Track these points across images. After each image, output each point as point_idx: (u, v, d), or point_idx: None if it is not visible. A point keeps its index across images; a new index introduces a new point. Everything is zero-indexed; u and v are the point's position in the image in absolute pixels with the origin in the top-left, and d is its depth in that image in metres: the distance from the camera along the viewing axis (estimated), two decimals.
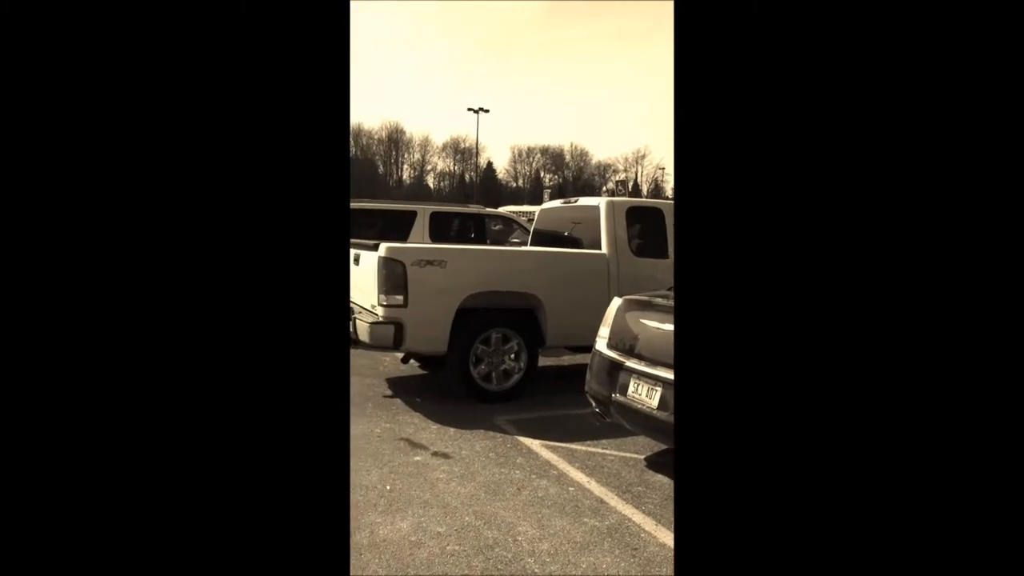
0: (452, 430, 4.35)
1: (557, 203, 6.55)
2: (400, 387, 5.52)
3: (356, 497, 3.26)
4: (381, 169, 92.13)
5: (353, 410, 4.72)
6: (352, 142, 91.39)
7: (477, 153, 65.95)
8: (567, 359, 6.17)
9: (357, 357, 6.36)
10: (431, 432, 4.31)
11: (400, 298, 4.76)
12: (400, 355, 5.93)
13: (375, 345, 4.95)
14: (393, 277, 4.75)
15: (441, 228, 8.21)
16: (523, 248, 6.40)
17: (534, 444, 4.12)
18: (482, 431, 4.33)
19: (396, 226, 8.03)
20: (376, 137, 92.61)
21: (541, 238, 6.40)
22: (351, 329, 5.15)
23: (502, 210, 11.99)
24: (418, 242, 7.51)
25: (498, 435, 4.27)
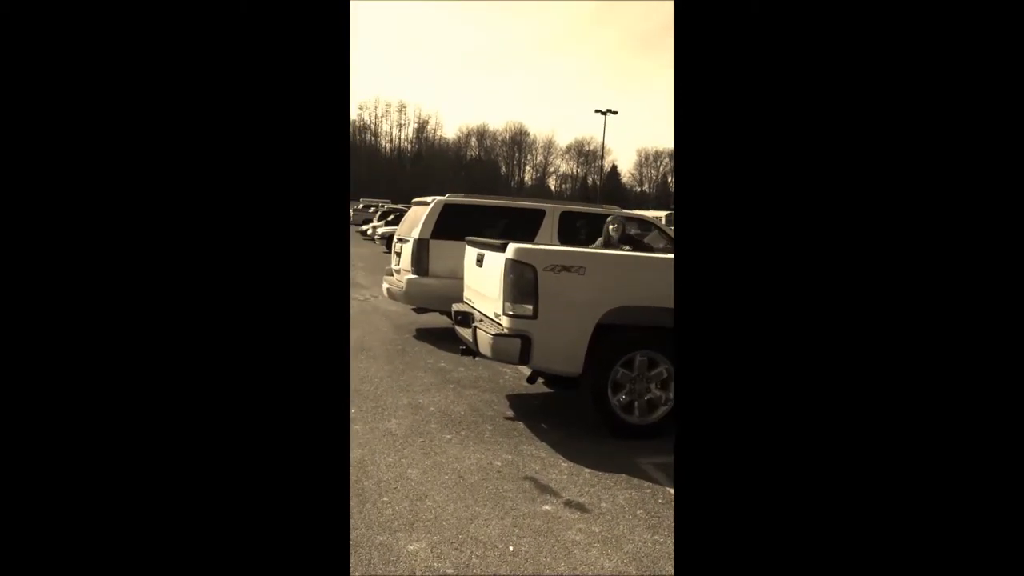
0: (587, 471, 3.60)
1: None
2: (523, 407, 4.84)
3: (473, 557, 2.59)
4: (503, 170, 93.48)
5: (470, 433, 4.09)
6: (475, 142, 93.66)
7: (603, 155, 64.92)
8: None
9: (475, 368, 5.76)
10: (561, 472, 3.58)
11: (529, 308, 4.08)
12: (526, 371, 5.25)
13: (498, 359, 4.31)
14: (522, 283, 4.07)
15: (572, 230, 7.48)
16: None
17: None
18: (624, 476, 3.55)
19: (521, 226, 7.38)
20: (500, 138, 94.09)
21: None
22: (471, 338, 4.53)
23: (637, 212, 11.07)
24: (545, 244, 6.82)
25: (645, 484, 3.48)
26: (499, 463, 3.65)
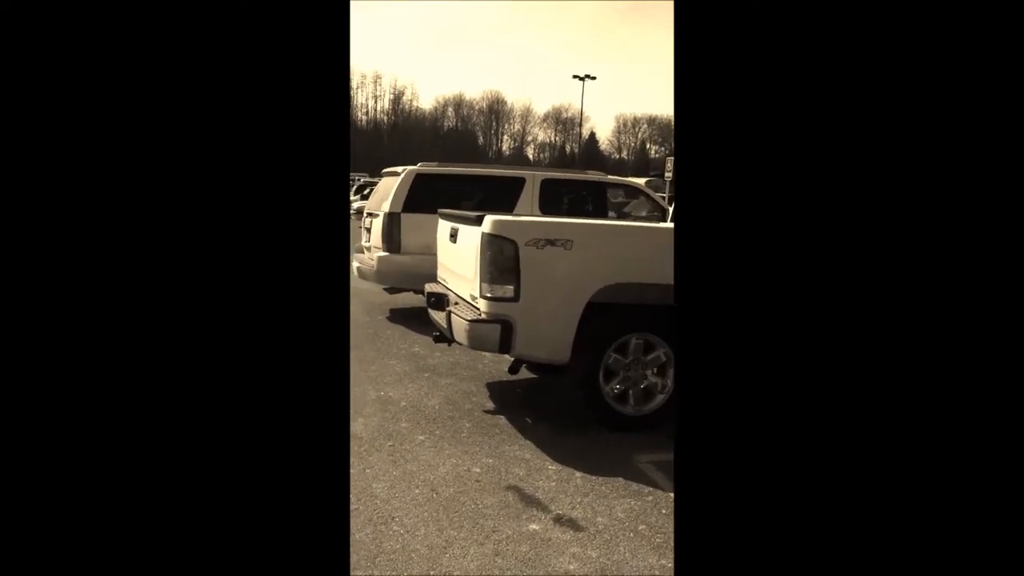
0: (578, 476, 3.14)
1: None
2: (505, 398, 4.37)
3: None
4: (481, 140, 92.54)
5: (445, 432, 3.62)
6: (452, 112, 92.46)
7: (581, 123, 64.16)
8: None
9: (451, 353, 5.27)
10: (549, 477, 3.12)
11: (510, 288, 3.58)
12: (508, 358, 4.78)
13: (476, 348, 3.82)
14: (501, 260, 3.57)
15: (554, 199, 6.96)
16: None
17: None
18: (621, 481, 3.10)
19: (500, 196, 6.85)
20: (477, 107, 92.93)
21: None
22: (446, 324, 4.03)
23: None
24: (526, 215, 6.30)
25: (645, 490, 3.03)
26: (478, 469, 3.19)
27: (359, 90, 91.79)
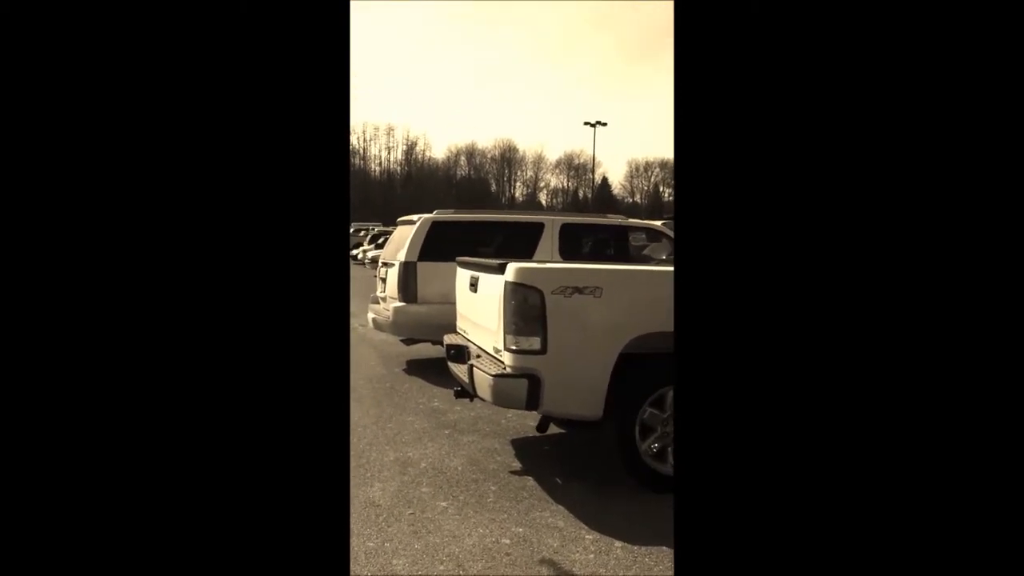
0: (619, 546, 2.85)
1: None
2: (532, 456, 4.09)
3: None
4: (494, 187, 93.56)
5: (470, 497, 3.34)
6: (465, 161, 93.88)
7: (593, 168, 64.64)
8: None
9: (472, 407, 5.01)
10: (587, 548, 2.83)
11: (536, 340, 3.34)
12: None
13: (500, 405, 3.56)
14: (526, 310, 3.35)
15: (575, 244, 6.77)
16: None
17: None
18: (666, 551, 2.80)
19: (519, 242, 6.67)
20: (489, 155, 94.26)
21: None
22: (467, 378, 3.79)
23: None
24: (545, 261, 6.09)
25: None
26: (507, 540, 2.90)
27: (372, 142, 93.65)
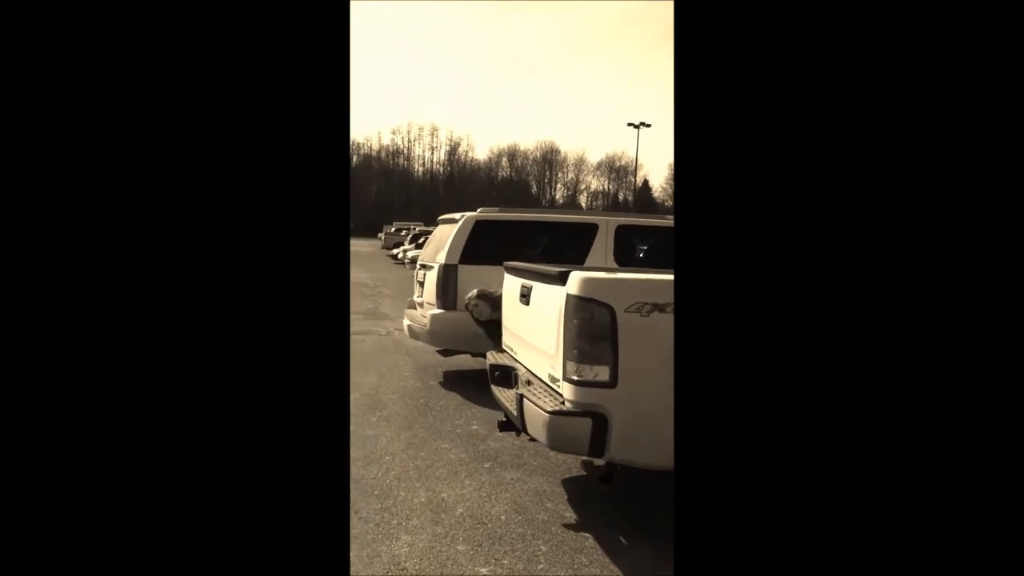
0: None
1: None
2: (589, 503, 3.42)
3: None
4: (534, 189, 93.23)
5: (517, 561, 2.69)
6: (507, 162, 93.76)
7: (636, 170, 63.54)
8: None
9: (511, 438, 4.35)
10: None
11: (604, 370, 2.69)
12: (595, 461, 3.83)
13: (557, 449, 2.91)
14: (592, 331, 2.69)
15: (631, 249, 6.08)
16: None
17: None
18: None
19: (570, 245, 6.02)
20: (531, 157, 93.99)
21: None
22: (516, 410, 3.14)
23: None
24: (602, 267, 5.40)
25: None
26: None
27: (416, 142, 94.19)
